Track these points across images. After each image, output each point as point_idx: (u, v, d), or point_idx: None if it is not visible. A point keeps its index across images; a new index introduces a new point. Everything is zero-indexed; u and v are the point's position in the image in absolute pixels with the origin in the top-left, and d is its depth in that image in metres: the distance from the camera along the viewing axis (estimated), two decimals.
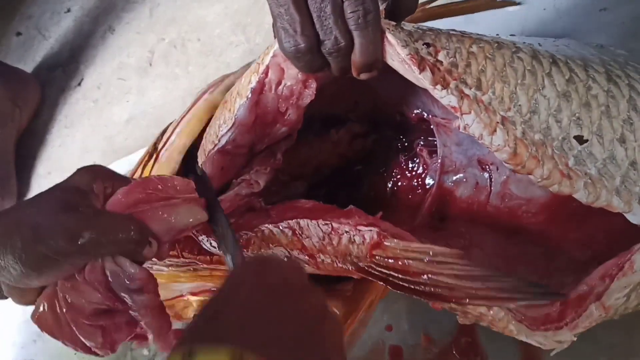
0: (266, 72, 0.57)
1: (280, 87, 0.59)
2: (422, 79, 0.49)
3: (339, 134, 0.79)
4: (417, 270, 0.54)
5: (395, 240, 0.56)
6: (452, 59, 0.50)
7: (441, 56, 0.50)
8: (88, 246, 0.51)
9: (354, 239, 0.59)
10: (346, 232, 0.60)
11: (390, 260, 0.56)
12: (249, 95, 0.59)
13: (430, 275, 0.53)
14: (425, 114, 0.71)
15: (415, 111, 0.72)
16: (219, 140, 0.62)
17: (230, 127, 0.61)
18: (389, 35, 0.49)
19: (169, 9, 1.33)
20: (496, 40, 0.53)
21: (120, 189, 0.56)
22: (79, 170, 0.57)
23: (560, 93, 0.49)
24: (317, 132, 0.75)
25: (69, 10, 1.50)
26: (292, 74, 0.57)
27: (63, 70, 1.42)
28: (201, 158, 0.66)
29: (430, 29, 0.54)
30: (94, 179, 0.56)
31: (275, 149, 0.70)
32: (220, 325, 0.44)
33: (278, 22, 0.48)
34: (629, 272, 0.50)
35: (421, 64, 0.49)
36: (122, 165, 1.19)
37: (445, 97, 0.48)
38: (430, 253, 0.54)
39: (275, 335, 0.43)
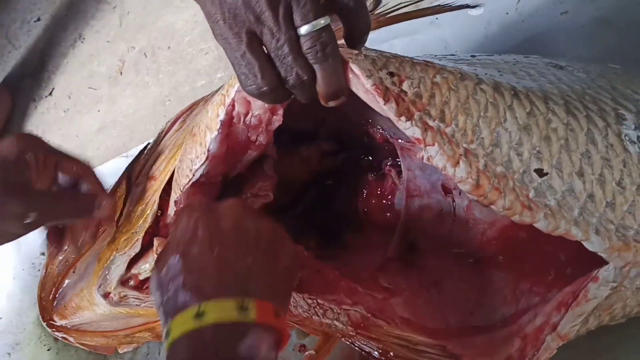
0: (232, 105, 0.58)
1: (249, 117, 0.59)
2: (386, 110, 0.49)
3: (308, 151, 0.79)
4: (398, 353, 0.57)
5: (380, 323, 0.59)
6: (416, 89, 0.50)
7: (405, 86, 0.50)
8: (34, 224, 0.59)
9: (338, 317, 0.62)
10: (331, 308, 0.62)
11: (373, 339, 0.59)
12: (219, 129, 0.59)
13: None
14: (389, 137, 0.72)
15: (380, 132, 0.73)
16: (194, 175, 0.62)
17: (204, 161, 0.61)
18: (353, 66, 0.49)
19: (138, 17, 1.34)
20: (459, 71, 0.54)
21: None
22: (6, 139, 0.61)
23: (521, 126, 0.50)
24: (286, 146, 0.75)
25: (39, 19, 1.50)
26: (259, 104, 0.57)
27: (33, 79, 1.43)
28: (175, 192, 0.66)
29: (394, 56, 0.54)
30: (25, 151, 0.61)
31: (263, 168, 0.71)
32: (209, 278, 0.50)
33: (236, 68, 0.48)
34: (582, 301, 0.51)
35: (386, 95, 0.49)
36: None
37: (410, 129, 0.49)
38: (412, 341, 0.57)
39: (257, 277, 0.51)
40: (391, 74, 0.50)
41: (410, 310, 0.61)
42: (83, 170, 0.67)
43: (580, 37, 0.84)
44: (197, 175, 0.62)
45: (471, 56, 0.67)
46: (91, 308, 0.79)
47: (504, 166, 0.48)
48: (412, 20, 0.92)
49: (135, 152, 1.12)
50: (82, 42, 1.41)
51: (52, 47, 1.44)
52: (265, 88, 0.48)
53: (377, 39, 0.98)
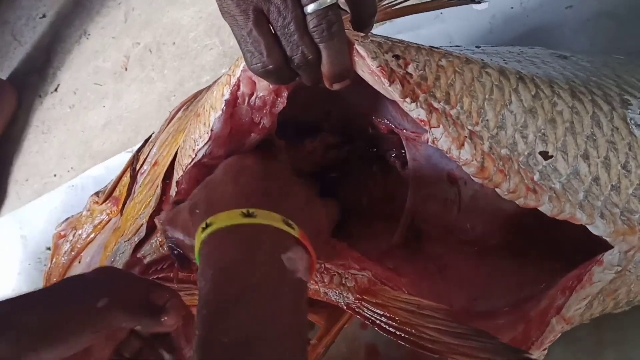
0: (238, 85, 0.58)
1: (253, 98, 0.60)
2: (391, 91, 0.49)
3: (313, 144, 0.79)
4: (403, 319, 0.57)
5: (386, 288, 0.59)
6: (421, 71, 0.50)
7: (411, 69, 0.50)
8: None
9: (345, 281, 0.62)
10: (338, 273, 0.62)
11: (378, 306, 0.59)
12: (224, 108, 0.59)
13: (416, 328, 0.56)
14: (395, 127, 0.72)
15: (385, 123, 0.73)
16: (196, 155, 0.63)
17: (207, 141, 0.61)
18: (359, 47, 0.49)
19: (143, 13, 1.34)
20: (465, 55, 0.54)
21: None
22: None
23: (526, 109, 0.50)
24: (291, 139, 0.75)
25: (44, 16, 1.50)
26: (264, 85, 0.58)
27: (39, 75, 1.43)
28: (178, 173, 0.66)
29: (400, 41, 0.54)
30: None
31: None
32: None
33: (242, 46, 0.48)
34: (587, 285, 0.51)
35: (391, 76, 0.49)
36: (100, 171, 1.20)
37: (415, 110, 0.49)
38: (419, 305, 0.57)
39: (295, 205, 0.56)
40: (397, 57, 0.50)
41: (414, 291, 0.61)
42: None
43: (584, 31, 0.85)
44: (200, 155, 0.62)
45: (476, 47, 0.68)
46: None
47: (509, 148, 0.49)
48: (416, 15, 0.92)
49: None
50: (88, 38, 1.41)
51: (57, 44, 1.44)
52: (270, 67, 0.48)
53: (381, 34, 0.98)
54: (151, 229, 0.71)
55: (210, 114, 0.60)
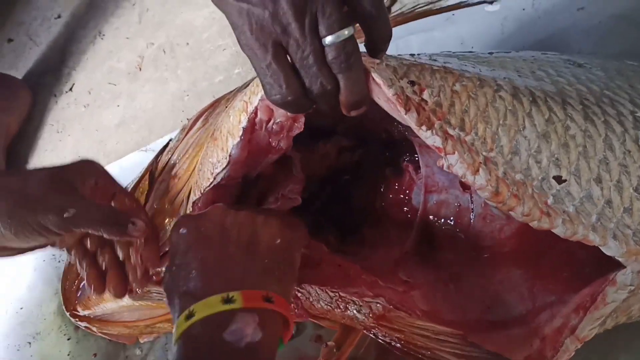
0: (255, 113, 0.59)
1: (270, 124, 0.61)
2: (407, 119, 0.50)
3: (326, 147, 0.80)
4: (419, 343, 0.59)
5: (401, 315, 0.60)
6: (436, 97, 0.51)
7: (426, 95, 0.51)
8: (72, 222, 0.58)
9: (361, 309, 0.63)
10: (353, 301, 0.63)
11: (395, 330, 0.61)
12: (242, 136, 0.60)
13: (431, 351, 0.57)
14: (408, 134, 0.73)
15: (398, 129, 0.74)
16: (214, 179, 0.64)
17: (225, 166, 0.63)
18: (375, 75, 0.50)
19: (157, 14, 1.34)
20: (478, 77, 0.54)
21: None
22: (78, 166, 0.64)
23: (540, 134, 0.51)
24: (304, 143, 0.76)
25: (59, 17, 1.51)
26: (281, 112, 0.59)
27: (54, 75, 1.43)
28: (195, 194, 0.68)
29: (414, 63, 0.55)
30: (87, 173, 0.64)
31: (292, 169, 0.73)
32: (198, 282, 0.55)
33: (261, 78, 0.49)
34: (600, 305, 0.51)
35: (407, 105, 0.50)
36: (114, 170, 1.20)
37: (430, 138, 0.50)
38: (434, 331, 0.59)
39: (242, 269, 0.56)
40: (412, 83, 0.51)
41: (429, 304, 0.63)
42: (135, 206, 0.68)
43: (596, 34, 0.85)
44: (218, 179, 0.64)
45: (489, 53, 0.68)
46: (114, 300, 0.80)
47: (523, 173, 0.49)
48: (428, 17, 0.93)
49: (154, 146, 1.14)
50: (102, 38, 1.41)
51: (72, 44, 1.45)
52: (289, 98, 0.49)
53: (394, 36, 0.98)
54: None
55: (228, 140, 0.61)
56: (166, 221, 0.72)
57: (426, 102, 0.51)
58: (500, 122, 0.51)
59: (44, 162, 1.36)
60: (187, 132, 0.79)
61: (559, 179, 0.50)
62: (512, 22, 0.92)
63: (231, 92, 0.81)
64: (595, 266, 0.52)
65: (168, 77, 1.28)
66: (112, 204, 0.66)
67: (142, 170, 0.84)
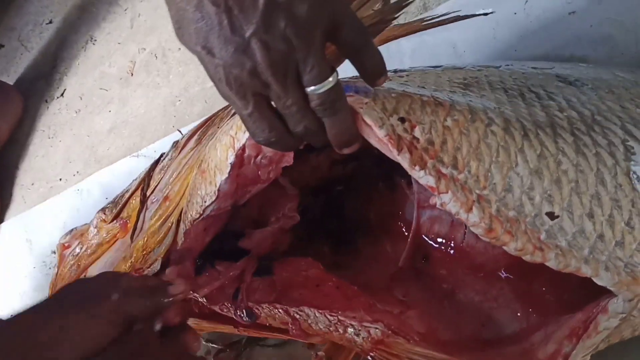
0: (243, 149, 0.59)
1: (259, 159, 0.60)
2: (400, 159, 0.50)
3: (318, 159, 0.79)
4: None
5: (399, 340, 0.61)
6: (428, 135, 0.51)
7: (417, 132, 0.51)
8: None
9: (359, 333, 0.63)
10: (352, 325, 0.64)
11: (393, 356, 0.61)
12: (230, 172, 0.60)
13: None
14: None
15: None
16: (204, 212, 0.64)
17: (214, 200, 0.63)
18: (365, 117, 0.50)
19: (149, 19, 1.34)
20: (469, 109, 0.54)
21: None
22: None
23: (532, 170, 0.51)
24: (296, 154, 0.77)
25: (50, 22, 1.51)
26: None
27: (45, 81, 1.44)
28: (185, 224, 0.68)
29: (403, 93, 0.54)
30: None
31: (285, 188, 0.73)
32: None
33: (245, 123, 0.48)
34: (593, 334, 0.52)
35: (399, 145, 0.50)
36: (105, 175, 1.21)
37: (424, 178, 0.50)
38: (433, 358, 0.59)
39: None
40: (402, 120, 0.51)
41: (425, 323, 0.63)
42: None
43: (587, 38, 0.85)
44: (207, 211, 0.64)
45: (478, 70, 0.67)
46: None
47: (516, 210, 0.50)
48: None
49: (146, 151, 1.14)
50: (94, 44, 1.41)
51: (63, 49, 1.45)
52: (274, 139, 0.49)
53: None
54: (165, 264, 0.72)
55: (216, 175, 0.61)
56: (156, 242, 0.72)
57: (418, 139, 0.51)
58: (493, 159, 0.51)
59: (35, 168, 1.37)
60: (180, 151, 0.79)
61: (551, 215, 0.50)
62: (504, 26, 0.92)
63: (225, 109, 0.80)
64: (588, 286, 0.52)
65: (160, 82, 1.27)
66: None
67: (133, 181, 0.83)
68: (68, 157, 1.33)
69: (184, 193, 0.71)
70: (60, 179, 1.32)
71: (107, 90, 1.34)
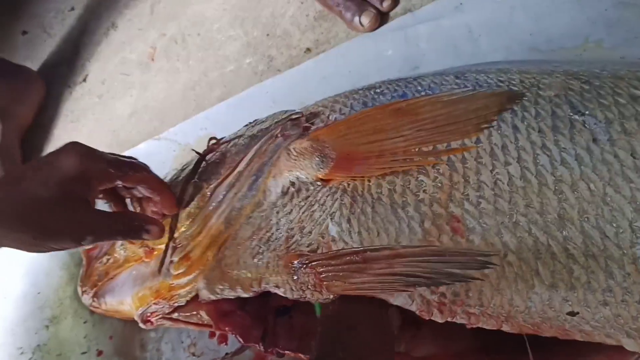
0: None
1: None
2: (434, 319, 0.56)
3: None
4: None
5: None
6: (453, 286, 0.56)
7: (443, 287, 0.56)
8: (89, 242, 0.64)
9: None
10: None
11: None
12: None
13: None
14: None
15: None
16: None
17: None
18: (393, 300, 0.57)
19: (169, 5, 1.37)
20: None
21: None
22: (62, 153, 0.65)
23: (548, 286, 0.55)
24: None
25: (72, 9, 1.54)
26: None
27: (68, 66, 1.46)
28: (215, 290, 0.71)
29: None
30: (87, 167, 0.65)
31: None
32: None
33: None
34: None
35: (429, 310, 0.56)
36: None
37: (456, 320, 0.56)
38: None
39: None
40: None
41: None
42: (143, 179, 0.71)
43: (602, 21, 0.86)
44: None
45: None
46: (132, 314, 0.83)
47: (541, 317, 0.55)
48: (436, 5, 0.95)
49: (166, 134, 1.16)
50: (115, 30, 1.44)
51: (85, 36, 1.47)
52: None
53: (403, 25, 1.00)
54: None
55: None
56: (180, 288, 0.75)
57: (445, 295, 0.56)
58: (513, 288, 0.55)
59: None
60: (208, 200, 0.75)
61: (572, 313, 0.55)
62: (519, 10, 0.93)
63: (267, 139, 0.75)
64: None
65: (179, 67, 1.30)
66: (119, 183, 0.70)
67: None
68: (91, 140, 1.33)
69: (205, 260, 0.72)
70: None
71: (128, 76, 1.37)
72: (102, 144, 1.34)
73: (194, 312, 0.75)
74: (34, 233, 0.61)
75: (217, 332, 0.90)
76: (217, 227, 0.70)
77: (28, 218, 0.61)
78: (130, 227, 0.67)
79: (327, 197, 0.64)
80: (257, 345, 0.74)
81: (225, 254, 0.68)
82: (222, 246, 0.69)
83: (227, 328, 0.74)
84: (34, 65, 1.50)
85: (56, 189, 0.63)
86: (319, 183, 0.65)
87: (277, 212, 0.66)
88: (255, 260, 0.65)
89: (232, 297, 0.67)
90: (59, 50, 1.51)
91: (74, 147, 0.66)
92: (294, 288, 0.61)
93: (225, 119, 1.12)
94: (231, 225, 0.69)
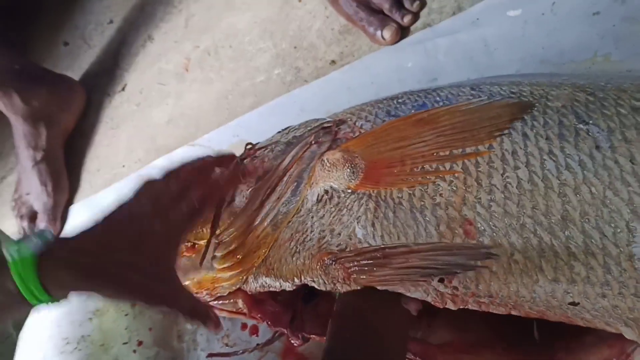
0: None
1: None
2: (448, 307, 0.62)
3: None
4: None
5: None
6: (465, 281, 0.62)
7: (455, 281, 0.62)
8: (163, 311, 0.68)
9: None
10: None
11: None
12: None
13: None
14: None
15: None
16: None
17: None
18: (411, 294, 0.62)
19: (202, 19, 1.42)
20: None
21: None
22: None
23: (551, 280, 0.60)
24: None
25: (111, 22, 1.59)
26: None
27: (107, 76, 1.51)
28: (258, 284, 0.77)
29: None
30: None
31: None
32: None
33: None
34: None
35: (443, 301, 0.62)
36: (164, 162, 1.29)
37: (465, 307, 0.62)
38: None
39: None
40: (441, 279, 0.63)
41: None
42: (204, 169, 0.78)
43: (611, 36, 0.90)
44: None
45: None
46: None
47: (545, 306, 0.60)
48: (454, 20, 1.00)
49: (201, 141, 1.22)
50: (152, 42, 1.49)
51: (124, 47, 1.52)
52: None
53: (422, 39, 1.05)
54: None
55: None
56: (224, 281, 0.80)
57: (456, 287, 0.62)
58: (519, 281, 0.61)
59: (100, 156, 1.46)
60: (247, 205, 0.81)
61: (573, 303, 0.60)
62: (532, 25, 0.97)
63: (301, 147, 0.81)
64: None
65: (213, 78, 1.35)
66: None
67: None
68: (130, 146, 1.41)
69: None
70: (124, 166, 1.40)
71: (164, 85, 1.42)
72: (140, 149, 1.39)
73: (231, 300, 0.82)
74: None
75: (249, 324, 0.97)
76: (265, 230, 0.77)
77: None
78: (197, 313, 0.69)
79: (354, 202, 0.70)
80: (285, 329, 0.81)
81: (269, 253, 0.74)
82: (270, 248, 0.76)
83: (259, 315, 0.81)
84: (75, 74, 1.55)
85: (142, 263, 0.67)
86: (348, 190, 0.71)
87: (312, 217, 0.72)
88: (294, 258, 0.70)
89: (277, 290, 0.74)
90: (98, 61, 1.56)
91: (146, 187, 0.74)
92: (326, 281, 0.67)
93: (256, 127, 1.16)
94: (277, 228, 0.75)
